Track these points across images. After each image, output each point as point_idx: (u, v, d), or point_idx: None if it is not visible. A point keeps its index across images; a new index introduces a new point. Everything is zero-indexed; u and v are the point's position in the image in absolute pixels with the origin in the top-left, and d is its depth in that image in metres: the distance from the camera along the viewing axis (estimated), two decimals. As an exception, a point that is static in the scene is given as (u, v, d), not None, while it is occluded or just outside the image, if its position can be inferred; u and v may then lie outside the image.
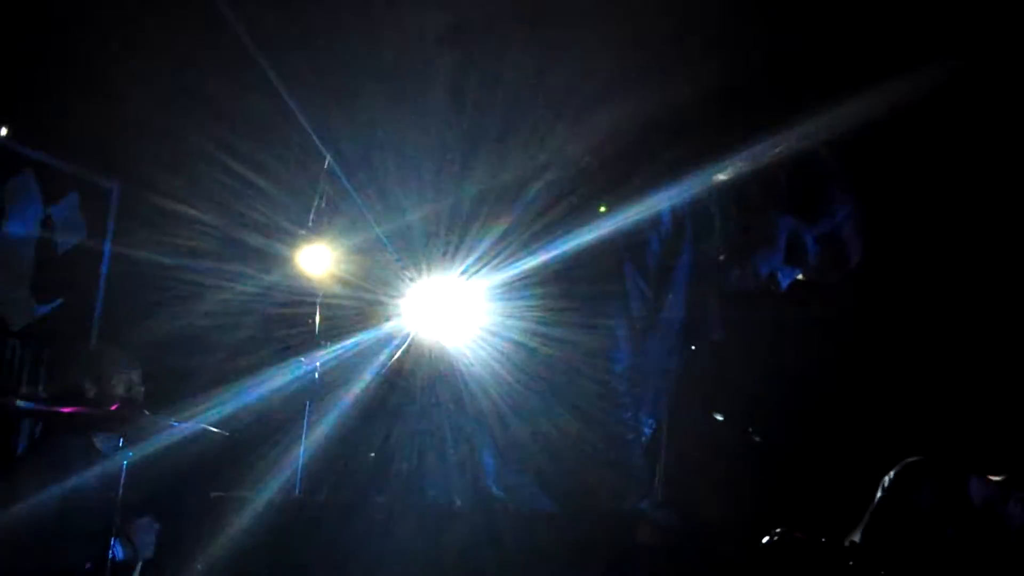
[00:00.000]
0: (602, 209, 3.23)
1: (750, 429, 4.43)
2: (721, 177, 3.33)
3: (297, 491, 4.36)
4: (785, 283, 3.35)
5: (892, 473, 4.29)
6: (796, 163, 3.27)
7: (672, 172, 3.20)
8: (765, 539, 3.23)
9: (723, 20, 4.80)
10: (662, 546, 3.10)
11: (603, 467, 3.10)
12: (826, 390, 5.51)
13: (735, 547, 3.22)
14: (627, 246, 3.16)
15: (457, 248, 3.60)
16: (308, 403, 4.44)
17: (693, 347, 3.40)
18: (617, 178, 3.27)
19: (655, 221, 3.17)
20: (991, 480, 4.24)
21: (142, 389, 5.11)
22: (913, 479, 4.26)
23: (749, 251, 3.31)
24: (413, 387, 3.46)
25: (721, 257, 3.29)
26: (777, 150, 3.27)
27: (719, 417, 3.77)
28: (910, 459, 4.31)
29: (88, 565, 4.45)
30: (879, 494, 4.24)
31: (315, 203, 4.55)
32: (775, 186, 3.26)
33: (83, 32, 5.43)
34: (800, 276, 3.39)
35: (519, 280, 3.26)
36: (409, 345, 3.69)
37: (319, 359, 4.45)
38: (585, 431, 3.10)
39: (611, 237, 3.16)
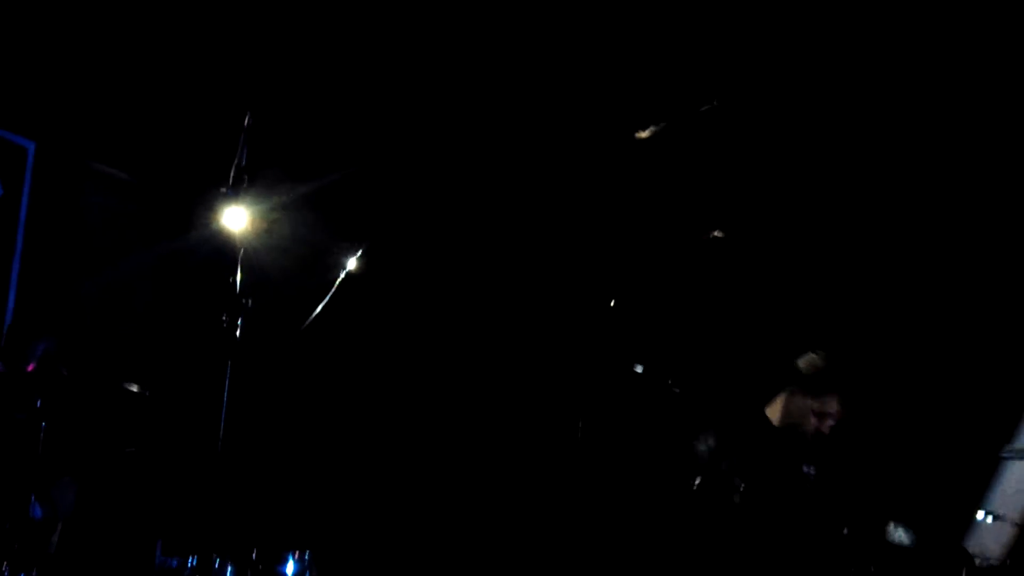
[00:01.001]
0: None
1: (670, 381, 4.49)
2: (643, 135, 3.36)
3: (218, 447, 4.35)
4: None
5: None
6: None
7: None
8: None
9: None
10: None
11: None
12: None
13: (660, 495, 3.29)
14: None
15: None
16: (229, 361, 4.40)
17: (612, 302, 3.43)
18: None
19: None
20: None
21: (58, 353, 5.06)
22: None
23: None
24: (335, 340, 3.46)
25: None
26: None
27: (638, 369, 3.80)
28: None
29: (7, 525, 4.41)
30: None
31: (235, 160, 4.50)
32: None
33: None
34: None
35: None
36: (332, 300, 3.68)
37: (240, 316, 4.42)
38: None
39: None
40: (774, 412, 5.48)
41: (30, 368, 4.57)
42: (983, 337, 6.29)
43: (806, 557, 4.91)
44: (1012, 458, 6.14)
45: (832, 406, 5.32)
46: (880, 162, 6.04)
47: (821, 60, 5.43)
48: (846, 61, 5.50)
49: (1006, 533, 5.75)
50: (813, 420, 5.34)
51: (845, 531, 4.96)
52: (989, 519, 5.51)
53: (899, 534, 5.06)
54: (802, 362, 5.42)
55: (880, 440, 5.97)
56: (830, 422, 5.34)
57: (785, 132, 5.44)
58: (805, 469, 5.28)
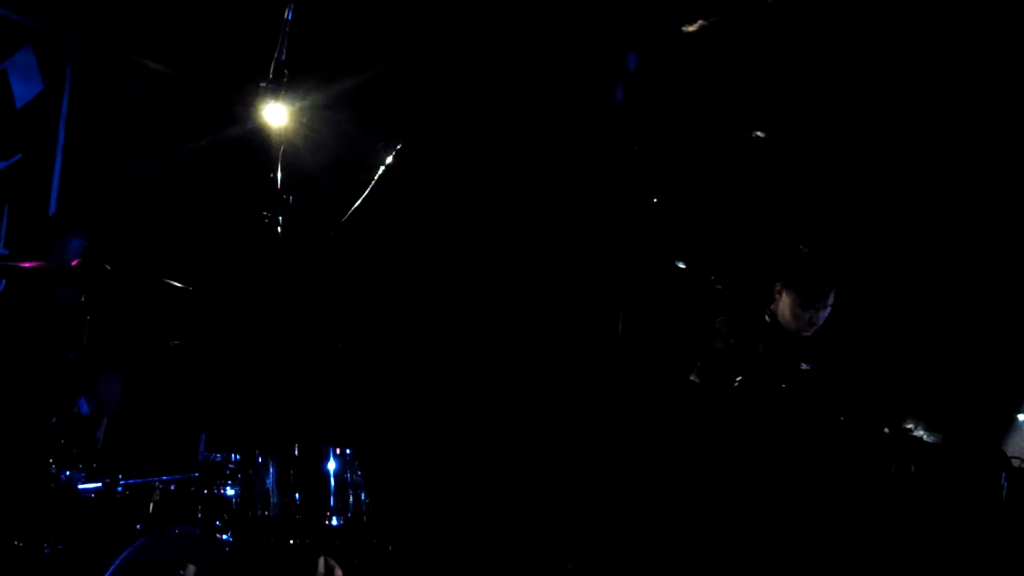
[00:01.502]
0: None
1: (713, 278, 4.47)
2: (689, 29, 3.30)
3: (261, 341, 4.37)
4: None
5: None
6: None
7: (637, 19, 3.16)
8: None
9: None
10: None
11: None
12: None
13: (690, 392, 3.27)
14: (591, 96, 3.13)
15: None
16: (271, 257, 4.40)
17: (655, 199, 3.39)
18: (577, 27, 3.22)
19: (621, 69, 3.14)
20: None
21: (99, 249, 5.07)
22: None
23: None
24: (373, 236, 3.43)
25: None
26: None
27: (680, 265, 3.78)
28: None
29: (53, 419, 4.46)
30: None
31: (275, 55, 4.45)
32: None
33: None
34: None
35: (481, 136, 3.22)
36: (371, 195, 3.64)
37: (281, 214, 4.40)
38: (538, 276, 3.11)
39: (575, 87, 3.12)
40: (780, 311, 5.47)
41: (74, 263, 4.59)
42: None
43: (842, 457, 4.92)
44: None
45: (820, 302, 5.31)
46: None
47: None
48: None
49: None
50: (803, 315, 5.33)
51: (886, 430, 4.96)
52: (1030, 421, 5.50)
53: (921, 431, 5.06)
54: (787, 257, 5.42)
55: (916, 342, 5.95)
56: (819, 318, 5.34)
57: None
58: (803, 366, 5.27)
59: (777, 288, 5.42)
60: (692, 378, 5.06)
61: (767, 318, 5.39)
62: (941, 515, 4.73)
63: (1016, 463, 5.02)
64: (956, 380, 5.97)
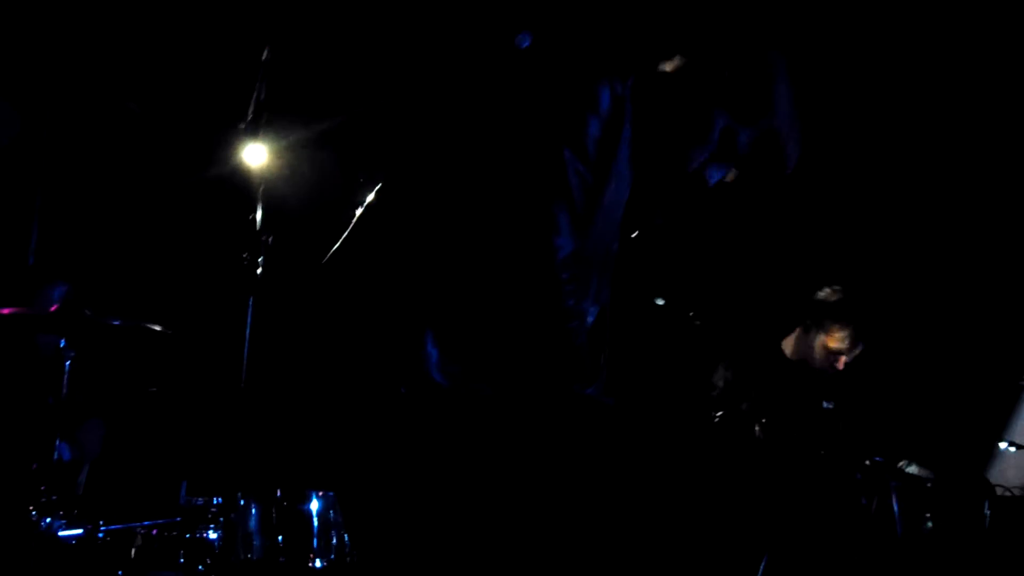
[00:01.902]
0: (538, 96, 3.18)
1: (691, 314, 4.48)
2: (665, 66, 3.31)
3: (241, 383, 4.35)
4: (713, 180, 3.34)
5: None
6: (741, 60, 3.24)
7: (611, 53, 3.17)
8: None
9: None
10: (605, 431, 3.12)
11: (547, 355, 3.09)
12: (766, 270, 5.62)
13: (679, 429, 3.27)
14: (565, 130, 3.13)
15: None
16: (251, 299, 4.39)
17: (634, 233, 3.39)
18: (551, 60, 3.22)
19: (593, 103, 3.13)
20: None
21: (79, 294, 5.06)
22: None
23: (682, 143, 3.29)
24: (355, 277, 3.43)
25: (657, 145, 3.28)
26: (723, 43, 3.25)
27: (659, 302, 3.78)
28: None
29: (34, 465, 4.43)
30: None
31: (254, 95, 4.46)
32: (716, 80, 3.24)
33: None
34: (731, 177, 3.39)
35: (459, 170, 3.22)
36: (353, 234, 3.65)
37: (261, 255, 4.40)
38: (528, 320, 3.09)
39: (548, 122, 3.12)
40: (789, 347, 5.49)
41: (53, 308, 4.57)
42: (1002, 264, 6.27)
43: (828, 489, 4.92)
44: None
45: (846, 341, 5.32)
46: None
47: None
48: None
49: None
50: (828, 355, 5.35)
51: (867, 463, 4.97)
52: (1011, 449, 5.51)
53: (913, 468, 5.07)
54: (818, 296, 5.42)
55: (899, 372, 5.97)
56: (845, 357, 5.34)
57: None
58: (825, 404, 5.28)
59: (807, 324, 5.40)
60: (692, 412, 5.07)
61: (780, 356, 5.40)
62: (926, 544, 4.73)
63: (1000, 491, 5.04)
64: (939, 409, 5.99)
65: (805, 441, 4.95)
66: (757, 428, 4.86)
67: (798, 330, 5.46)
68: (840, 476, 4.90)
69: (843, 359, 5.35)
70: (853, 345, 5.35)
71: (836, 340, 5.33)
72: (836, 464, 4.89)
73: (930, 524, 4.73)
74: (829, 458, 4.88)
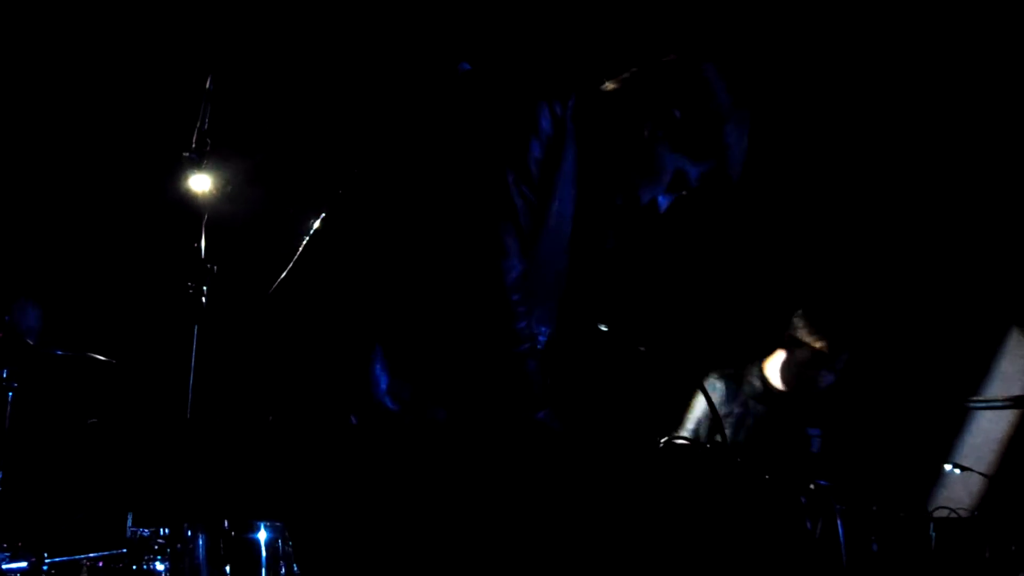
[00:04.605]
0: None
1: (637, 342, 4.49)
2: (607, 85, 3.32)
3: (187, 412, 4.32)
4: (664, 205, 3.36)
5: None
6: (690, 97, 3.25)
7: (550, 74, 3.18)
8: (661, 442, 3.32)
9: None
10: (558, 456, 3.11)
11: (498, 379, 3.09)
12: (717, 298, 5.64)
13: (632, 455, 3.26)
14: (507, 153, 3.13)
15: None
16: (196, 327, 4.37)
17: (581, 257, 3.40)
18: (492, 83, 3.22)
19: (533, 124, 3.14)
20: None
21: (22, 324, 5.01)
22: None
23: (632, 180, 3.31)
24: (303, 303, 3.41)
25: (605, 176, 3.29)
26: (672, 78, 3.26)
27: (603, 328, 3.78)
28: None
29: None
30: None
31: (198, 124, 4.45)
32: (667, 120, 3.25)
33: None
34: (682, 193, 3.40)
35: (404, 195, 3.21)
36: (300, 261, 3.63)
37: (205, 283, 4.38)
38: (479, 343, 3.08)
39: (490, 144, 3.12)
40: (777, 372, 5.40)
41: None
42: (949, 289, 6.33)
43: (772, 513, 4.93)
44: (979, 408, 6.19)
45: (829, 347, 5.24)
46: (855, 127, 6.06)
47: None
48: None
49: (974, 484, 5.81)
50: (819, 364, 5.25)
51: (811, 487, 4.98)
52: (956, 471, 5.55)
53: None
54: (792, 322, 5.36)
55: (847, 398, 5.99)
56: (821, 380, 5.29)
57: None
58: (810, 432, 5.25)
59: (786, 342, 5.32)
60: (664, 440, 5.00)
61: (757, 380, 5.33)
62: (871, 568, 4.75)
63: (944, 513, 5.06)
64: (884, 431, 6.04)
65: (789, 469, 4.95)
66: (738, 456, 4.85)
67: (782, 352, 5.38)
68: (785, 500, 4.91)
69: (808, 378, 5.29)
70: (839, 350, 5.27)
71: (821, 346, 5.25)
72: (784, 488, 4.90)
73: (875, 547, 4.75)
74: (779, 481, 4.89)
